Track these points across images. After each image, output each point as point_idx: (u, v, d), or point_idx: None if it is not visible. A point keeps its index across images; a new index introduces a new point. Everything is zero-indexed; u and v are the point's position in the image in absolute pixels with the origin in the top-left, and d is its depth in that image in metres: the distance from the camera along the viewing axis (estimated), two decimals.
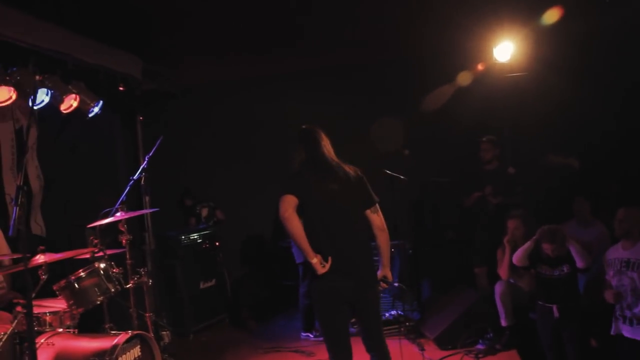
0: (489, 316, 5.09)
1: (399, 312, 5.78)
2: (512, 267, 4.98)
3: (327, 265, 3.34)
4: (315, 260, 3.31)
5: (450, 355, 4.92)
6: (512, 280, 5.10)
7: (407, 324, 5.52)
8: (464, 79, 6.38)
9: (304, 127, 3.66)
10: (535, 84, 6.13)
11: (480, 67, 6.33)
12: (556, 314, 4.34)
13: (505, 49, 5.81)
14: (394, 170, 5.53)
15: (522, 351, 4.84)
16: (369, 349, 3.53)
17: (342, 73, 6.91)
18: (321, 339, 4.93)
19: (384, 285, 3.59)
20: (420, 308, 6.03)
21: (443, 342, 5.10)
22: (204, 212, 7.15)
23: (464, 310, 5.22)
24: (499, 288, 5.04)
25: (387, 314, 5.88)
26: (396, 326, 5.56)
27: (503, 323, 4.98)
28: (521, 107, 6.36)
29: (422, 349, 5.11)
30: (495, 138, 6.14)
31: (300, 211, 3.36)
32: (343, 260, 3.37)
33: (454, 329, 5.11)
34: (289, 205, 3.32)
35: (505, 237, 5.07)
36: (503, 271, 5.09)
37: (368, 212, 3.52)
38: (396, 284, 3.91)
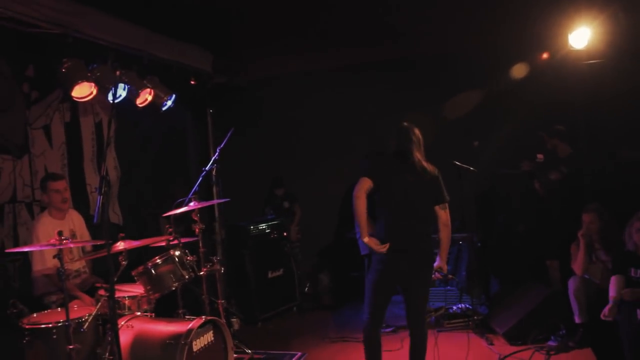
0: (562, 312, 4.93)
1: (467, 306, 5.70)
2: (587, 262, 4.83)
3: (385, 247, 3.73)
4: (367, 239, 3.73)
5: (520, 350, 4.80)
6: (586, 276, 4.92)
7: (475, 317, 5.44)
8: (537, 66, 6.16)
9: (403, 123, 3.99)
10: (613, 71, 5.85)
11: (545, 55, 6.10)
12: (639, 316, 4.14)
13: (582, 35, 5.55)
14: (464, 162, 5.45)
15: (597, 350, 4.66)
16: (409, 325, 3.96)
17: (412, 64, 6.82)
18: (387, 330, 5.01)
19: (437, 275, 3.97)
20: (489, 302, 5.92)
21: (512, 337, 4.98)
22: (286, 204, 7.32)
23: (535, 306, 5.07)
24: (572, 284, 4.87)
25: (454, 307, 5.81)
26: (464, 320, 5.50)
27: (577, 320, 4.81)
28: (597, 96, 6.09)
29: (491, 344, 5.02)
30: (553, 128, 5.97)
31: (377, 194, 3.79)
32: (402, 243, 3.77)
33: (524, 325, 4.98)
34: (362, 187, 3.74)
35: (579, 231, 4.90)
36: (577, 266, 4.92)
37: (437, 207, 3.90)
38: (450, 276, 4.03)
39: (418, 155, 3.88)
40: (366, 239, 3.72)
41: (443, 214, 3.90)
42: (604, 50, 5.72)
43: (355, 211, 3.71)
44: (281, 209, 7.26)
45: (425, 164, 3.89)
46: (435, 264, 3.93)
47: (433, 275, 3.94)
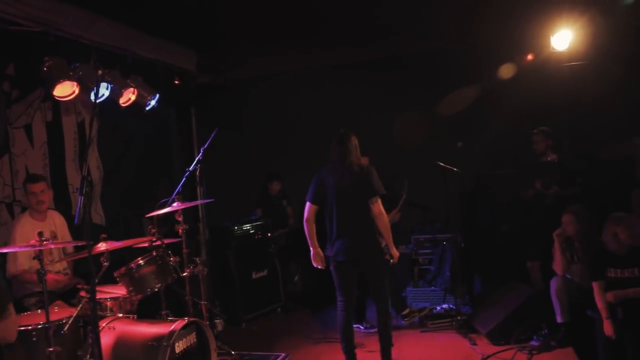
0: (544, 312, 4.98)
1: (451, 306, 5.73)
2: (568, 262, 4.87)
3: (322, 265, 4.64)
4: (313, 252, 4.64)
5: (502, 350, 4.83)
6: (568, 276, 4.97)
7: (459, 318, 5.47)
8: (519, 68, 6.22)
9: (340, 131, 4.58)
10: (594, 73, 5.93)
11: (530, 57, 6.14)
12: (620, 315, 4.19)
13: (564, 37, 5.61)
14: (447, 162, 5.48)
15: (578, 349, 4.71)
16: (374, 300, 4.64)
17: (396, 63, 6.86)
18: (372, 330, 5.06)
19: (388, 258, 4.59)
20: (472, 302, 5.96)
21: (495, 337, 5.02)
22: (285, 202, 7.23)
23: (517, 305, 5.11)
24: (554, 284, 4.91)
25: (438, 308, 5.85)
26: (447, 320, 5.53)
27: (559, 319, 4.85)
28: (579, 97, 6.17)
29: (474, 344, 5.05)
30: (548, 129, 5.95)
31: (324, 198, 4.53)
32: (348, 238, 4.44)
33: (507, 324, 5.01)
34: (309, 212, 4.61)
35: (555, 231, 4.95)
36: (557, 266, 4.96)
37: (369, 202, 4.43)
38: (392, 261, 4.60)
39: (352, 158, 4.48)
40: (313, 252, 4.63)
41: (374, 207, 4.44)
42: (586, 52, 5.79)
43: (306, 234, 4.62)
44: (279, 210, 7.13)
45: (357, 166, 4.47)
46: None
47: (383, 256, 4.56)
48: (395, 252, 4.59)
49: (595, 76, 5.94)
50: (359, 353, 4.71)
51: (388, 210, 4.81)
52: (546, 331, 4.89)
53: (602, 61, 5.83)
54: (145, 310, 4.33)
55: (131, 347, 3.68)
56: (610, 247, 4.37)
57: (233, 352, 5.00)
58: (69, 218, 4.83)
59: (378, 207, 4.45)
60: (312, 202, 4.59)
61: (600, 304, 4.29)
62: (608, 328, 4.18)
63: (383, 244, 4.57)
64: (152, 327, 3.79)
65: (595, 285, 4.36)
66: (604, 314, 4.24)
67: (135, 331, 3.78)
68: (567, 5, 5.34)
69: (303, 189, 7.03)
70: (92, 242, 3.33)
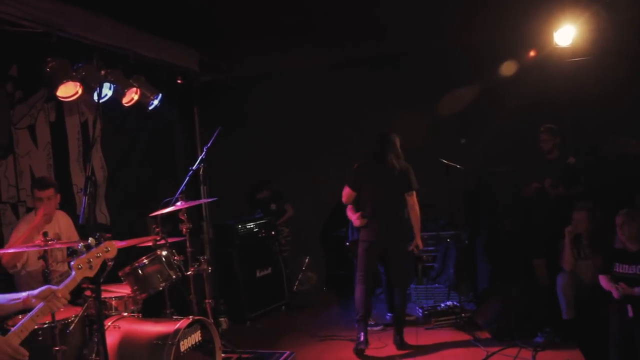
0: (548, 309, 4.97)
1: (455, 303, 5.73)
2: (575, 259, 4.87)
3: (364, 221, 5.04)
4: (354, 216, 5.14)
5: (507, 347, 4.82)
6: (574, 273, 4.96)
7: (463, 315, 5.47)
8: (522, 64, 6.20)
9: (384, 131, 5.14)
10: (597, 69, 5.90)
11: (532, 53, 6.12)
12: (630, 313, 4.17)
13: (567, 33, 5.58)
14: (450, 160, 5.48)
15: (583, 345, 4.70)
16: (393, 283, 5.23)
17: (398, 61, 6.85)
18: (376, 328, 5.06)
19: (414, 249, 5.15)
20: (476, 299, 5.95)
21: (500, 334, 5.01)
22: (273, 206, 7.22)
23: (521, 302, 5.11)
24: (561, 280, 4.90)
25: (442, 305, 5.84)
26: (452, 317, 5.52)
27: (564, 316, 4.85)
28: (582, 93, 6.14)
29: (478, 341, 5.05)
30: (555, 127, 5.90)
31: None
32: (380, 223, 5.00)
33: (512, 321, 5.01)
34: (349, 197, 5.15)
35: (567, 227, 4.94)
36: (565, 262, 4.95)
37: (405, 195, 5.02)
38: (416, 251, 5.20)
39: (391, 155, 5.00)
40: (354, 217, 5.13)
41: (410, 199, 5.02)
42: (589, 48, 5.76)
43: (350, 210, 5.23)
44: (268, 212, 7.18)
45: (396, 162, 4.99)
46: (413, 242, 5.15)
47: (410, 248, 5.13)
48: (420, 243, 5.14)
49: (598, 72, 5.91)
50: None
51: None
52: (551, 328, 4.88)
53: (606, 57, 5.81)
54: (150, 309, 4.35)
55: (136, 345, 3.69)
56: (621, 243, 4.36)
57: (238, 350, 5.00)
58: (73, 218, 4.84)
59: (412, 199, 5.02)
60: (352, 189, 5.11)
61: (607, 285, 4.28)
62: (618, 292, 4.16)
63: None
64: (157, 326, 3.80)
65: (602, 277, 4.36)
66: (613, 290, 4.22)
67: (141, 330, 3.79)
68: (570, 0, 5.32)
69: (305, 185, 7.11)
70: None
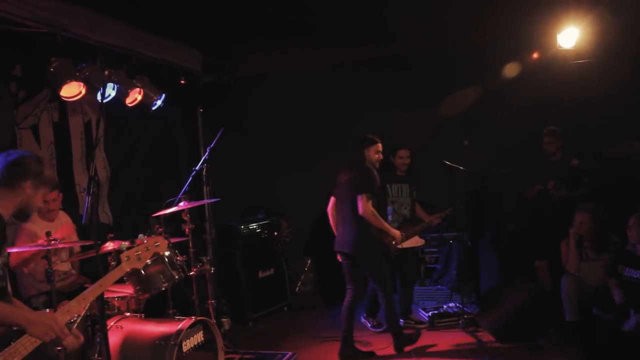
0: (551, 311, 4.96)
1: (458, 305, 5.72)
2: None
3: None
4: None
5: (509, 349, 4.82)
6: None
7: (465, 316, 5.46)
8: (525, 66, 6.19)
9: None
10: (601, 71, 5.89)
11: (535, 55, 6.11)
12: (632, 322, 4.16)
13: (570, 35, 5.57)
14: (453, 161, 5.47)
15: (585, 348, 4.69)
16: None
17: (401, 62, 6.85)
18: (379, 330, 5.04)
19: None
20: (479, 301, 5.95)
21: (502, 336, 5.00)
22: None
23: (524, 304, 5.09)
24: (565, 282, 4.89)
25: (444, 306, 5.84)
26: (454, 319, 5.52)
27: (567, 318, 4.84)
28: (586, 95, 6.13)
29: (481, 342, 5.04)
30: (558, 129, 5.90)
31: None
32: (339, 232, 5.02)
33: (514, 323, 4.99)
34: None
35: (571, 229, 4.93)
36: (570, 264, 4.94)
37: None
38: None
39: (351, 160, 4.92)
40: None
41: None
42: (592, 50, 5.75)
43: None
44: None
45: (354, 166, 4.89)
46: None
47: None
48: (395, 232, 5.03)
49: (602, 74, 5.90)
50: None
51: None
52: (553, 330, 4.87)
53: (610, 59, 5.80)
54: (153, 309, 4.35)
55: (139, 345, 3.70)
56: (632, 246, 4.34)
57: (240, 351, 5.00)
58: (76, 218, 4.85)
59: (361, 204, 4.73)
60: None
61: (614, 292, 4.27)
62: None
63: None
64: (160, 326, 3.80)
65: (610, 281, 4.35)
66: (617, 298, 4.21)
67: (143, 330, 3.80)
68: (573, 2, 5.31)
69: (306, 186, 7.10)
70: (99, 242, 3.34)
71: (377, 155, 4.97)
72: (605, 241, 4.88)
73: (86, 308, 3.30)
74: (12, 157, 2.66)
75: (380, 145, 5.00)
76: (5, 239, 2.63)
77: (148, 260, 4.04)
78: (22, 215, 2.85)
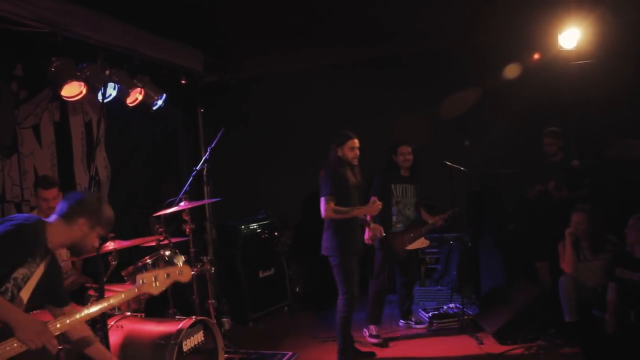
0: (551, 311, 4.96)
1: (458, 306, 5.72)
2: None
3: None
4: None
5: (510, 350, 4.82)
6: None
7: (466, 317, 5.46)
8: (526, 67, 6.18)
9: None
10: (603, 72, 5.88)
11: (536, 56, 6.10)
12: (633, 318, 4.16)
13: (572, 36, 5.56)
14: (454, 162, 5.47)
15: (585, 348, 4.69)
16: None
17: (401, 62, 6.85)
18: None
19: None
20: (479, 301, 5.95)
21: (502, 337, 5.00)
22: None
23: (524, 305, 5.10)
24: (563, 282, 4.89)
25: (445, 307, 5.84)
26: (455, 319, 5.52)
27: (567, 318, 4.84)
28: (587, 96, 6.12)
29: (481, 343, 5.04)
30: (558, 130, 5.89)
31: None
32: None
33: (514, 324, 5.00)
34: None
35: (567, 229, 4.93)
36: (566, 265, 4.94)
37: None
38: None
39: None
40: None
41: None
42: (594, 50, 5.74)
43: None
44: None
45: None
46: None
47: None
48: (376, 226, 4.92)
49: (604, 75, 5.88)
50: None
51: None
52: (554, 331, 4.87)
53: (611, 60, 5.79)
54: (153, 309, 4.35)
55: (139, 345, 3.70)
56: (630, 246, 4.34)
57: (241, 351, 5.00)
58: None
59: (322, 206, 4.65)
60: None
61: (609, 298, 4.27)
62: (611, 324, 4.16)
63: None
64: (160, 326, 3.81)
65: (609, 284, 4.36)
66: (610, 308, 4.22)
67: (143, 329, 3.80)
68: (574, 3, 5.30)
69: (305, 186, 7.09)
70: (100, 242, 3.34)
71: (352, 152, 4.71)
72: (601, 241, 4.88)
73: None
74: (77, 195, 2.80)
75: (356, 141, 4.73)
76: (31, 255, 2.61)
77: (149, 260, 4.10)
78: (76, 251, 2.91)
